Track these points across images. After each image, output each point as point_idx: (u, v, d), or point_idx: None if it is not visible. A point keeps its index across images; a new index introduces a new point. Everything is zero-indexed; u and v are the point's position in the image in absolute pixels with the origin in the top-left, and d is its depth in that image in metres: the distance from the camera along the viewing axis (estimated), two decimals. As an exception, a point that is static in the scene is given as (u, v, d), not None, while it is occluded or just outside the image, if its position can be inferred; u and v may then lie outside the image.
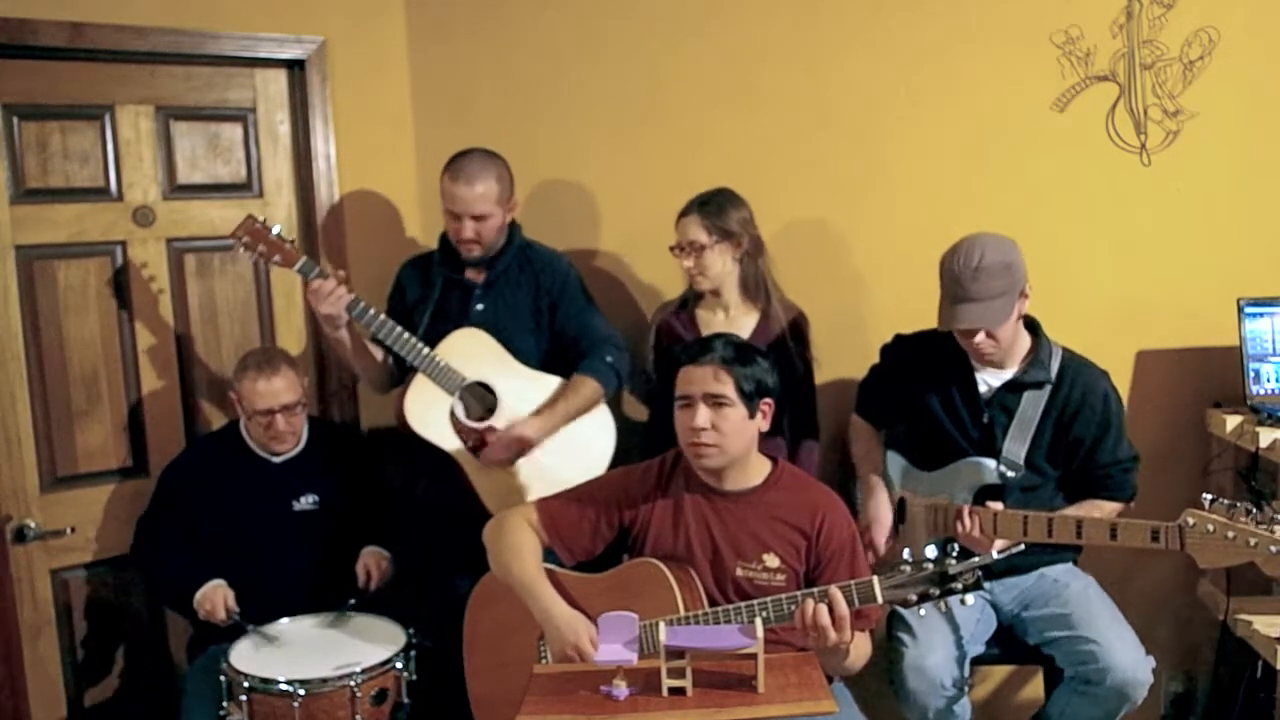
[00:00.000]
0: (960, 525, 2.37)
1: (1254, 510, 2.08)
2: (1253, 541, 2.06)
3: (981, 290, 2.35)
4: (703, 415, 2.15)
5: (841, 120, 2.96)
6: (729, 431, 2.16)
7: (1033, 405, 2.48)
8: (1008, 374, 2.51)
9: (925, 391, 2.57)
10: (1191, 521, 2.13)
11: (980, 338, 2.40)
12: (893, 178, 2.95)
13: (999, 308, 2.37)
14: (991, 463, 2.48)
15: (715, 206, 2.67)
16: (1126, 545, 2.24)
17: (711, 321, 2.76)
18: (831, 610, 1.96)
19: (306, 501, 2.68)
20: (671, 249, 2.72)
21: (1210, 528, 2.11)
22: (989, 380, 2.52)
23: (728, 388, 2.15)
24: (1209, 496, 2.16)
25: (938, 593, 1.93)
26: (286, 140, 2.99)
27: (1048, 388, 2.48)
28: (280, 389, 2.58)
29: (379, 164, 3.06)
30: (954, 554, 1.94)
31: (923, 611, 1.96)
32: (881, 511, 2.59)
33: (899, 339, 2.71)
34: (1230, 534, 2.09)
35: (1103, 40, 2.85)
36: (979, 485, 2.49)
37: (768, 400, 2.22)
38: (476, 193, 2.62)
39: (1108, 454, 2.49)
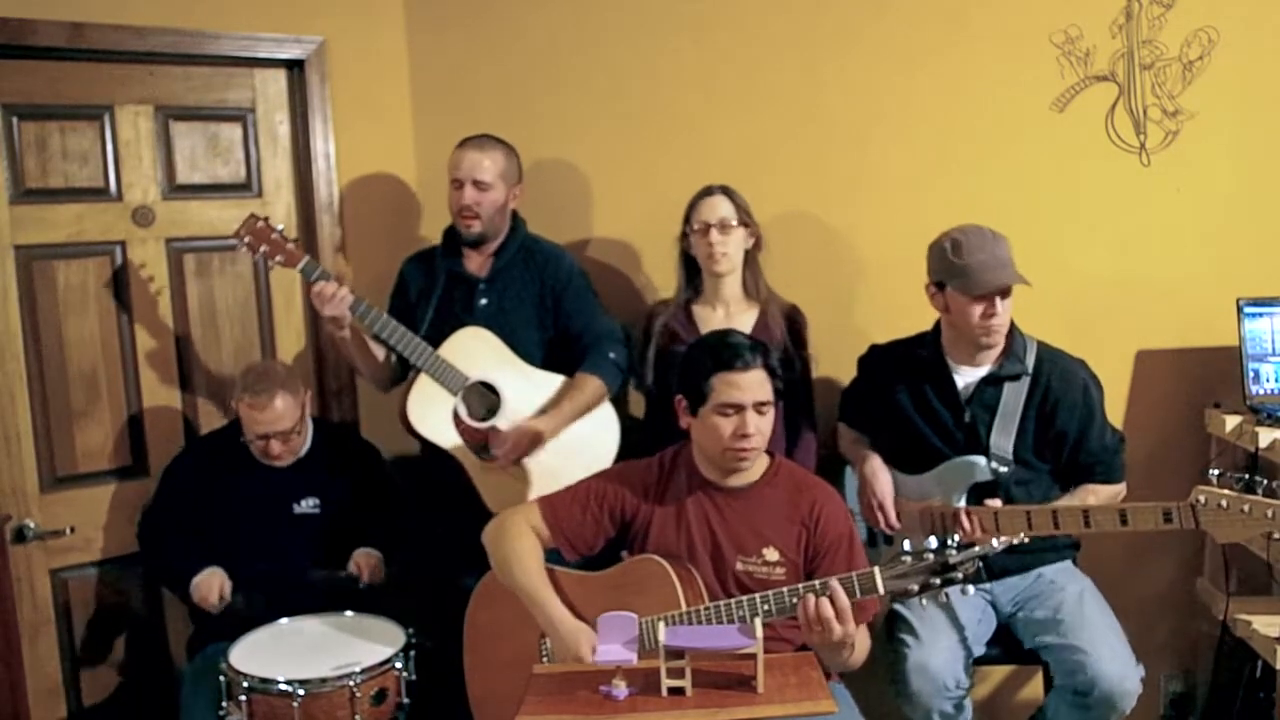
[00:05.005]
0: (961, 529, 2.37)
1: (1262, 483, 2.11)
2: (1270, 513, 2.07)
3: (1005, 256, 2.41)
4: (754, 422, 2.16)
5: (840, 118, 2.96)
6: (767, 433, 2.20)
7: (1014, 397, 2.49)
8: (983, 370, 2.52)
9: (904, 397, 2.58)
10: (1203, 499, 2.15)
11: (1000, 308, 2.42)
12: (891, 177, 2.95)
13: (1017, 274, 2.42)
14: (982, 460, 2.48)
15: (732, 191, 2.71)
16: (1139, 529, 2.25)
17: (710, 319, 2.76)
18: (833, 602, 1.97)
19: (307, 505, 2.67)
20: (688, 232, 2.73)
21: (1224, 503, 2.12)
22: (966, 378, 2.53)
23: (770, 392, 2.19)
24: (1216, 472, 2.17)
25: (938, 583, 1.92)
26: (286, 140, 2.99)
27: (1026, 379, 2.49)
28: (277, 415, 2.55)
29: (378, 163, 3.06)
30: (954, 544, 1.94)
31: (924, 603, 1.96)
32: (875, 466, 2.58)
33: (874, 349, 2.73)
34: (1246, 507, 2.10)
35: (1102, 40, 2.85)
36: (972, 484, 2.48)
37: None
38: (481, 157, 2.66)
39: (1095, 442, 2.50)
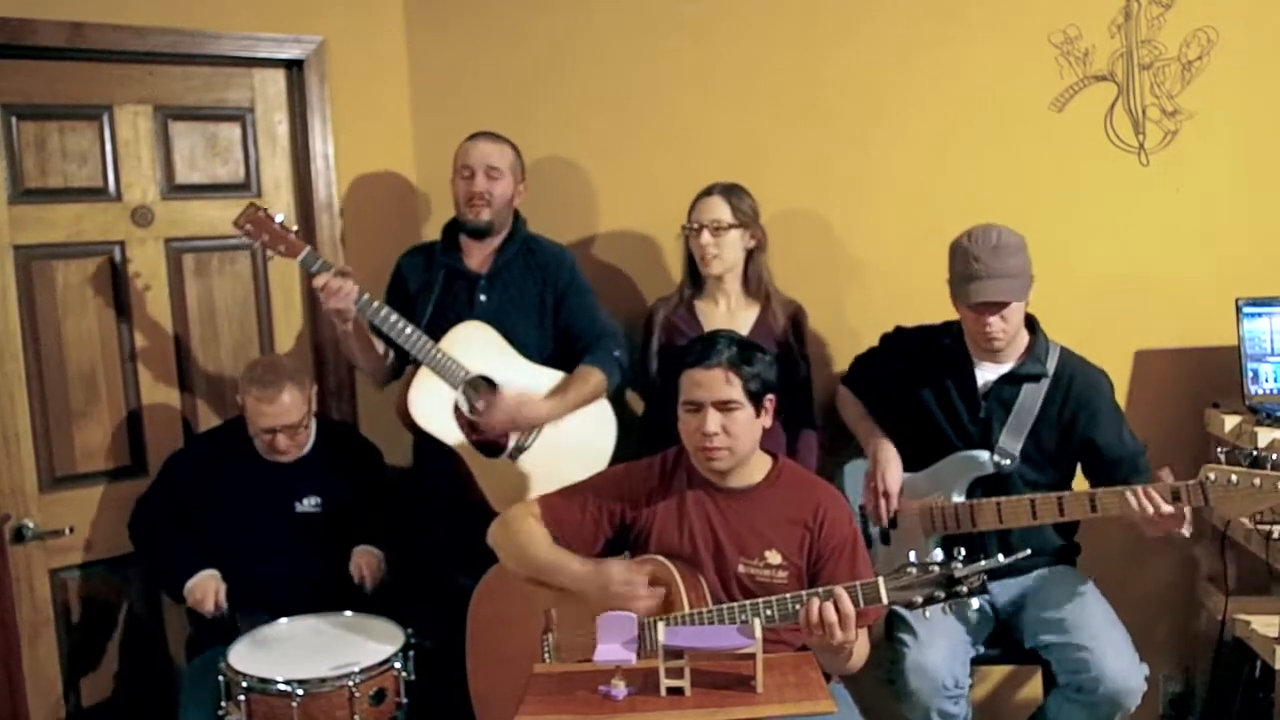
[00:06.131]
0: (1143, 511, 2.25)
1: (1270, 457, 2.12)
2: None
3: (1002, 267, 2.38)
4: (713, 420, 2.14)
5: (839, 117, 2.96)
6: (738, 434, 2.16)
7: (1031, 398, 2.48)
8: (1004, 367, 2.51)
9: (922, 385, 2.57)
10: (1212, 476, 2.16)
11: (994, 320, 2.41)
12: (890, 176, 2.95)
13: (1019, 284, 2.41)
14: (985, 454, 2.48)
15: (736, 192, 2.72)
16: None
17: (712, 314, 2.76)
18: (837, 607, 1.96)
19: (309, 503, 2.67)
20: (685, 230, 2.74)
21: (1233, 478, 2.13)
22: (986, 374, 2.52)
23: (736, 391, 2.14)
24: (1223, 449, 2.17)
25: (943, 595, 1.92)
26: (285, 140, 2.99)
27: (1045, 381, 2.48)
28: (284, 409, 2.55)
29: (378, 163, 3.07)
30: (959, 556, 1.93)
31: (927, 614, 1.96)
32: (890, 454, 2.56)
33: (900, 330, 2.73)
34: (1257, 481, 2.10)
35: (1101, 40, 2.85)
36: (972, 478, 2.48)
37: (770, 396, 2.22)
38: (492, 148, 2.71)
39: (1130, 442, 2.50)
